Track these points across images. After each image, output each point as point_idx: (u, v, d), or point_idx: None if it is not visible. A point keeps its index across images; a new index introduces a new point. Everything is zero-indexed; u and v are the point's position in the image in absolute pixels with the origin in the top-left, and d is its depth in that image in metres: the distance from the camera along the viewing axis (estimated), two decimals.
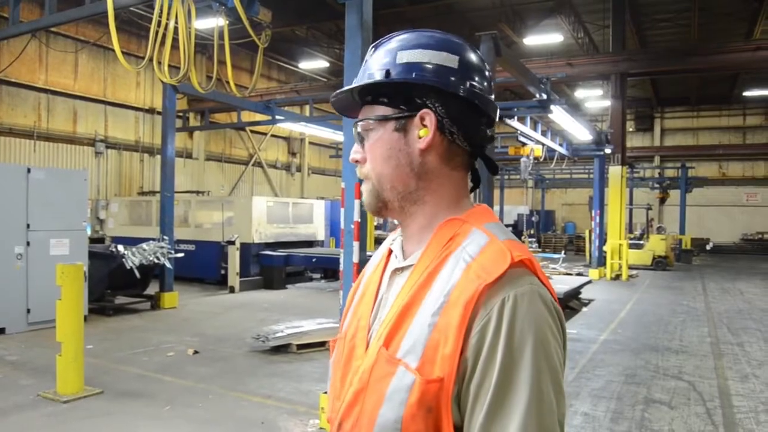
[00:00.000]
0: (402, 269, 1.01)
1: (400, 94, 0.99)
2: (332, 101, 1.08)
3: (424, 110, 0.98)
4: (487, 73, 1.02)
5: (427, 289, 0.92)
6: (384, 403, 0.89)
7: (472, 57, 1.01)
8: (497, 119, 1.06)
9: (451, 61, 0.99)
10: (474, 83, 0.99)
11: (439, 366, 0.86)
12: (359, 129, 1.04)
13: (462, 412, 0.87)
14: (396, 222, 1.07)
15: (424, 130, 0.98)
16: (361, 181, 1.07)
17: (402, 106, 0.99)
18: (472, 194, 1.09)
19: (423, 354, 0.88)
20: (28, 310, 7.91)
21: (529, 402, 0.81)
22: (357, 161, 1.05)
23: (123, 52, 6.45)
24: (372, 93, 1.02)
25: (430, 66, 0.97)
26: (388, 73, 0.98)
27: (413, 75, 0.97)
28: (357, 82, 1.02)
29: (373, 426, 0.90)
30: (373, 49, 1.05)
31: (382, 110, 1.01)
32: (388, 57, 1.00)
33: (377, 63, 1.01)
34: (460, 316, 0.86)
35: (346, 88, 1.03)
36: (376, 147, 1.01)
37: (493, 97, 1.03)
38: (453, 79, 0.97)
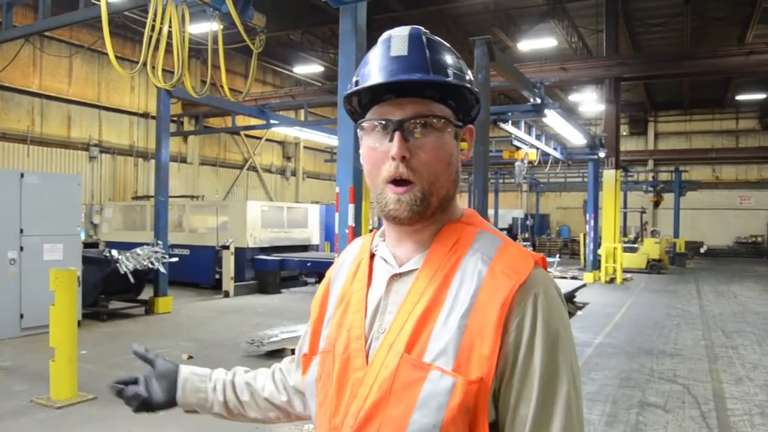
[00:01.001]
0: (400, 275, 0.99)
1: (460, 103, 1.00)
2: (393, 79, 0.93)
3: (471, 126, 1.04)
4: None
5: (445, 293, 0.93)
6: (416, 410, 0.87)
7: None
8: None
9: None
10: None
11: (477, 366, 0.87)
12: (419, 122, 0.94)
13: (500, 407, 0.89)
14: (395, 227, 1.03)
15: (464, 143, 1.02)
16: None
17: (461, 116, 1.01)
18: (469, 197, 1.11)
19: (456, 357, 0.88)
20: (22, 316, 7.86)
21: (569, 387, 0.89)
22: (404, 158, 0.94)
23: (117, 57, 6.45)
24: (440, 90, 0.96)
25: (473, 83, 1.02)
26: (460, 80, 0.96)
27: (475, 91, 1.00)
28: (430, 74, 0.93)
29: None
30: (427, 41, 0.98)
31: (440, 110, 0.96)
32: (455, 63, 0.98)
33: (448, 63, 0.96)
34: (496, 316, 0.88)
35: (439, 78, 0.94)
36: (438, 148, 0.95)
37: None
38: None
